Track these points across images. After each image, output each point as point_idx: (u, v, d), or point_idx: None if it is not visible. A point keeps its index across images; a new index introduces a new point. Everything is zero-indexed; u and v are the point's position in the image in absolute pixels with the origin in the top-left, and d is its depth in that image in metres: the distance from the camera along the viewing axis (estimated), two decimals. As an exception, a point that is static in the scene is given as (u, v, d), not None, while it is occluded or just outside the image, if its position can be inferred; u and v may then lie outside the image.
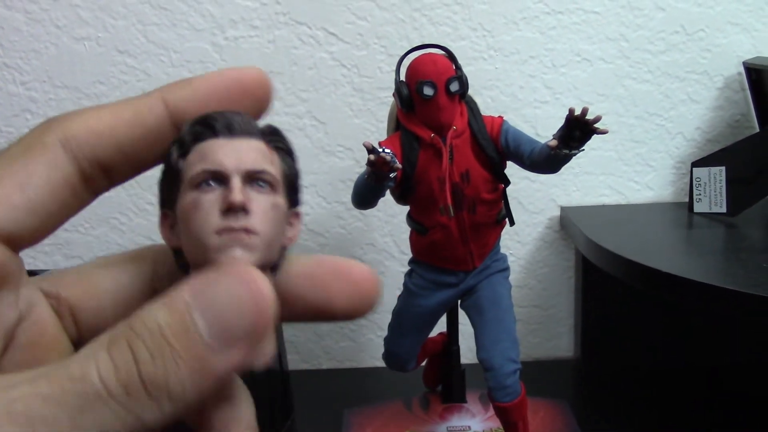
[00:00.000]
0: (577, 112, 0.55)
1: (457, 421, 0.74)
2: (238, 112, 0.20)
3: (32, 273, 0.20)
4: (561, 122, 0.57)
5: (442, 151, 0.60)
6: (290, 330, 0.89)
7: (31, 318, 0.19)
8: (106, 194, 0.21)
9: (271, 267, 0.20)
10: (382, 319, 0.78)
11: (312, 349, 0.91)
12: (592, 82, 0.85)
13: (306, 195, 0.85)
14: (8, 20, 0.82)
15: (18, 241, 0.18)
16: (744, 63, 0.83)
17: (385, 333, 0.72)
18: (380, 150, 0.55)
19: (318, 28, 0.83)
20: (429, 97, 0.59)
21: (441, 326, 0.75)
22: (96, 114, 0.20)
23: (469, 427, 0.73)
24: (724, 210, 0.77)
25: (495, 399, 0.63)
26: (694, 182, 0.79)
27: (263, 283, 0.17)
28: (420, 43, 0.64)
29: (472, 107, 0.63)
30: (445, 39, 0.82)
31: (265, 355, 0.18)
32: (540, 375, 0.85)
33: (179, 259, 0.20)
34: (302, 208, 0.21)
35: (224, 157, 0.19)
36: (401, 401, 0.79)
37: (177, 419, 0.16)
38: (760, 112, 0.83)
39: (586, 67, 0.85)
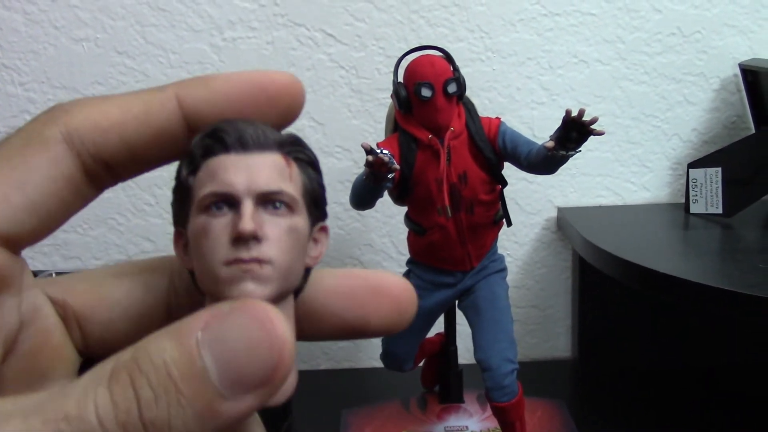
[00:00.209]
0: (574, 113, 0.55)
1: (454, 421, 0.74)
2: (253, 122, 0.18)
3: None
4: (558, 123, 0.57)
5: (439, 152, 0.61)
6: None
7: (35, 324, 0.18)
8: (104, 194, 0.19)
9: (293, 291, 0.19)
10: (380, 319, 0.78)
11: (310, 349, 0.91)
12: (589, 83, 0.86)
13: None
14: (7, 21, 0.82)
15: (18, 242, 0.17)
16: (740, 65, 0.83)
17: (383, 333, 0.72)
18: (378, 151, 0.55)
19: (316, 29, 0.83)
20: (427, 98, 0.59)
21: (439, 326, 0.75)
22: (102, 107, 0.18)
23: (467, 427, 0.73)
24: (720, 211, 0.78)
25: (492, 399, 0.63)
26: (691, 183, 0.80)
27: (280, 324, 0.15)
28: (418, 45, 0.64)
29: (470, 108, 0.63)
30: (442, 40, 0.82)
31: (282, 394, 0.17)
32: (537, 375, 0.85)
33: (194, 281, 0.18)
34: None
35: (234, 178, 0.17)
36: (399, 401, 0.79)
37: None
38: (755, 113, 0.83)
39: (583, 68, 0.85)
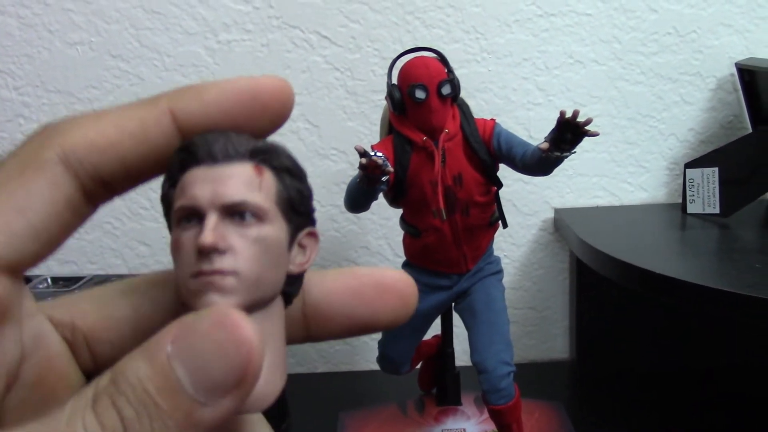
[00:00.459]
0: (568, 114, 0.55)
1: (452, 423, 0.74)
2: (226, 134, 0.18)
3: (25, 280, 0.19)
4: (554, 124, 0.57)
5: (434, 154, 0.60)
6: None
7: (38, 353, 0.18)
8: None
9: (285, 297, 0.19)
10: (376, 322, 0.77)
11: (307, 352, 0.91)
12: (585, 84, 0.85)
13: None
14: (0, 25, 0.82)
15: (21, 268, 0.17)
16: (736, 64, 0.83)
17: (379, 336, 0.72)
18: (372, 154, 0.55)
19: (311, 31, 0.83)
20: (421, 100, 0.59)
21: (436, 329, 0.75)
22: (98, 126, 0.18)
23: (464, 429, 0.73)
24: (717, 211, 0.77)
25: (489, 402, 0.63)
26: (688, 183, 0.80)
27: (244, 325, 0.15)
28: (413, 46, 0.64)
29: (465, 110, 0.63)
30: (438, 42, 0.82)
31: (263, 400, 0.17)
32: (535, 377, 0.85)
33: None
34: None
35: (199, 191, 0.17)
36: (396, 404, 0.79)
37: None
38: (752, 113, 0.83)
39: (579, 69, 0.85)
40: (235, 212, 0.17)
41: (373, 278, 0.20)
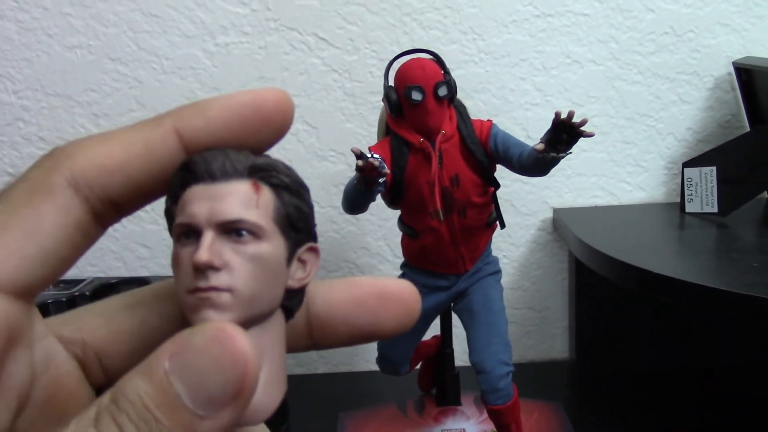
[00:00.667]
0: (564, 115, 0.55)
1: (451, 423, 0.74)
2: (225, 151, 0.18)
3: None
4: (551, 124, 0.57)
5: (431, 155, 0.61)
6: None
7: (48, 374, 0.18)
8: None
9: (285, 311, 0.19)
10: (375, 323, 0.78)
11: (307, 353, 0.91)
12: (583, 84, 0.85)
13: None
14: None
15: (32, 292, 0.17)
16: (733, 63, 0.83)
17: (378, 337, 0.72)
18: (369, 155, 0.55)
19: (309, 33, 0.83)
20: (417, 101, 0.59)
21: (435, 329, 0.75)
22: (105, 148, 0.18)
23: (464, 429, 0.73)
24: (715, 210, 0.78)
25: (488, 402, 0.63)
26: (686, 182, 0.80)
27: (241, 340, 0.16)
28: (411, 47, 0.64)
29: (461, 111, 0.63)
30: (435, 43, 0.83)
31: (263, 411, 0.18)
32: (534, 377, 0.85)
33: None
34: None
35: (197, 209, 0.18)
36: (396, 405, 0.79)
37: None
38: (750, 111, 0.83)
39: (577, 69, 0.85)
40: (231, 230, 0.18)
41: (375, 288, 0.21)
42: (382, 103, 0.66)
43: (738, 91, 0.84)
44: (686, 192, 0.80)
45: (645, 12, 0.84)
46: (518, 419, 0.65)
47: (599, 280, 0.73)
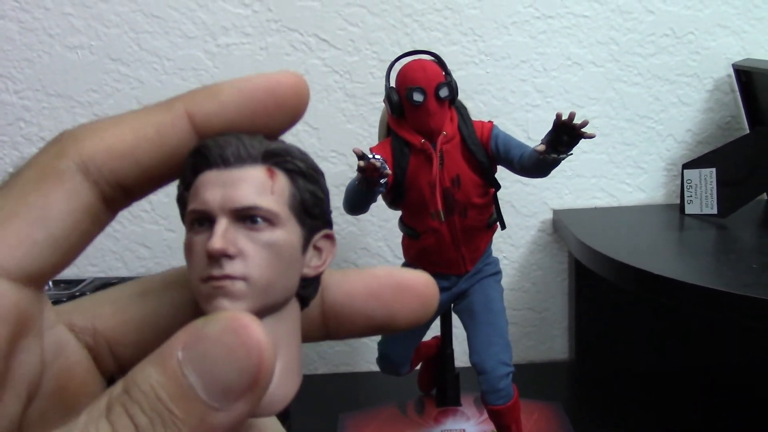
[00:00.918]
0: (565, 116, 0.55)
1: (451, 424, 0.74)
2: (239, 136, 0.18)
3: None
4: (551, 126, 0.57)
5: (432, 156, 0.61)
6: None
7: (58, 363, 0.18)
8: None
9: (301, 300, 0.19)
10: (376, 323, 0.78)
11: (307, 353, 0.91)
12: (583, 85, 0.86)
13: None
14: (1, 29, 0.82)
15: (42, 279, 0.17)
16: (733, 65, 0.83)
17: (379, 337, 0.72)
18: (370, 156, 0.55)
19: (310, 34, 0.83)
20: (419, 103, 0.60)
21: (435, 330, 0.75)
22: (115, 132, 0.18)
23: (464, 430, 0.73)
24: (714, 211, 0.78)
25: (488, 402, 0.63)
26: (685, 184, 0.80)
27: (256, 330, 0.15)
28: (412, 49, 0.65)
29: (462, 112, 0.63)
30: (436, 44, 0.83)
31: (278, 403, 0.17)
32: (534, 377, 0.85)
33: None
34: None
35: (210, 195, 0.17)
36: (396, 405, 0.79)
37: None
38: (749, 113, 0.83)
39: (577, 70, 0.85)
40: (246, 216, 0.17)
41: (393, 279, 0.20)
42: (382, 104, 0.66)
43: (738, 93, 0.84)
44: (686, 193, 0.80)
45: (645, 14, 0.84)
46: (518, 420, 0.65)
47: (599, 281, 0.73)
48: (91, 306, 0.20)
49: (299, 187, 0.18)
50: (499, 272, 0.69)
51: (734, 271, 0.62)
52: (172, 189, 0.19)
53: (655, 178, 0.89)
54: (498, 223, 0.67)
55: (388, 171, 0.57)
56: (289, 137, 0.19)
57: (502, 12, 0.83)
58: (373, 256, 0.89)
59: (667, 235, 0.79)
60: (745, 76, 0.82)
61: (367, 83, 0.84)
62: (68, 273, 0.89)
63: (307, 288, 0.19)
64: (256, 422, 0.18)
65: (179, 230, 0.19)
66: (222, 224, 0.17)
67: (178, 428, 0.15)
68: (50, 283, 0.77)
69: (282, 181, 0.18)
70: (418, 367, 0.79)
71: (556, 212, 0.87)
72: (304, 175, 0.18)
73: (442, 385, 0.77)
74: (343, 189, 0.64)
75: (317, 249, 0.19)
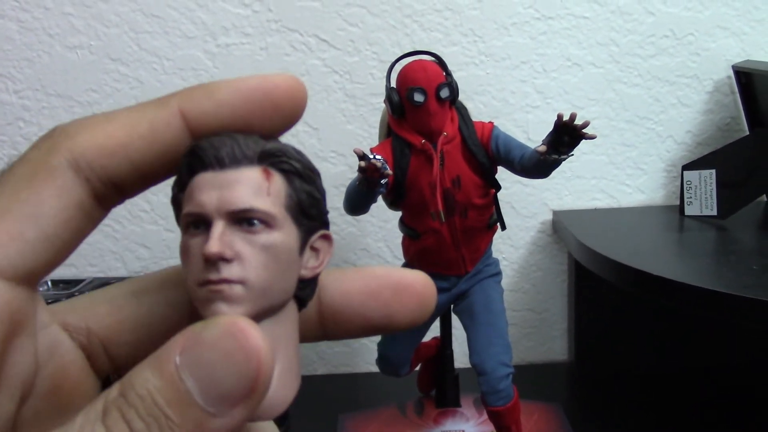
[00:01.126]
0: (566, 117, 0.55)
1: (451, 425, 0.74)
2: (234, 136, 0.18)
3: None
4: (552, 126, 0.57)
5: (433, 157, 0.61)
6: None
7: (52, 363, 0.18)
8: None
9: (298, 301, 0.19)
10: (375, 324, 0.78)
11: (306, 354, 0.91)
12: (583, 86, 0.86)
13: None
14: (0, 29, 0.82)
15: (35, 277, 0.17)
16: (733, 66, 0.83)
17: (378, 338, 0.72)
18: (371, 156, 0.55)
19: (310, 35, 0.83)
20: (419, 103, 0.60)
21: (435, 331, 0.75)
22: (107, 128, 0.17)
23: (464, 431, 0.73)
24: (714, 213, 0.78)
25: (488, 403, 0.63)
26: (685, 185, 0.80)
27: (254, 335, 0.15)
28: (412, 49, 0.65)
29: (463, 113, 0.63)
30: (436, 45, 0.83)
31: (276, 407, 0.17)
32: (534, 378, 0.85)
33: None
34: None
35: (206, 198, 0.17)
36: (396, 406, 0.79)
37: None
38: (749, 115, 0.83)
39: (577, 71, 0.85)
40: (242, 219, 0.17)
41: (391, 279, 0.20)
42: (382, 105, 0.66)
43: (737, 95, 0.84)
44: (686, 195, 0.80)
45: (645, 15, 0.84)
46: (518, 421, 0.65)
47: (599, 282, 0.73)
48: (85, 305, 0.19)
49: (296, 188, 0.18)
50: (499, 273, 0.69)
51: (734, 273, 0.62)
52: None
53: (655, 180, 0.89)
54: (498, 223, 0.67)
55: (389, 171, 0.57)
56: (289, 137, 0.19)
57: (502, 13, 0.83)
58: (372, 257, 0.88)
59: (666, 236, 0.79)
60: (745, 77, 0.82)
61: (367, 84, 0.84)
62: (67, 273, 0.88)
63: (305, 289, 0.19)
64: (253, 425, 0.18)
65: (178, 230, 0.18)
66: (218, 227, 0.17)
67: None
68: (49, 283, 0.77)
69: (278, 182, 0.18)
70: (417, 368, 0.79)
71: (556, 213, 0.87)
72: (301, 175, 0.18)
73: (442, 386, 0.77)
74: (343, 189, 0.64)
75: (314, 250, 0.19)
